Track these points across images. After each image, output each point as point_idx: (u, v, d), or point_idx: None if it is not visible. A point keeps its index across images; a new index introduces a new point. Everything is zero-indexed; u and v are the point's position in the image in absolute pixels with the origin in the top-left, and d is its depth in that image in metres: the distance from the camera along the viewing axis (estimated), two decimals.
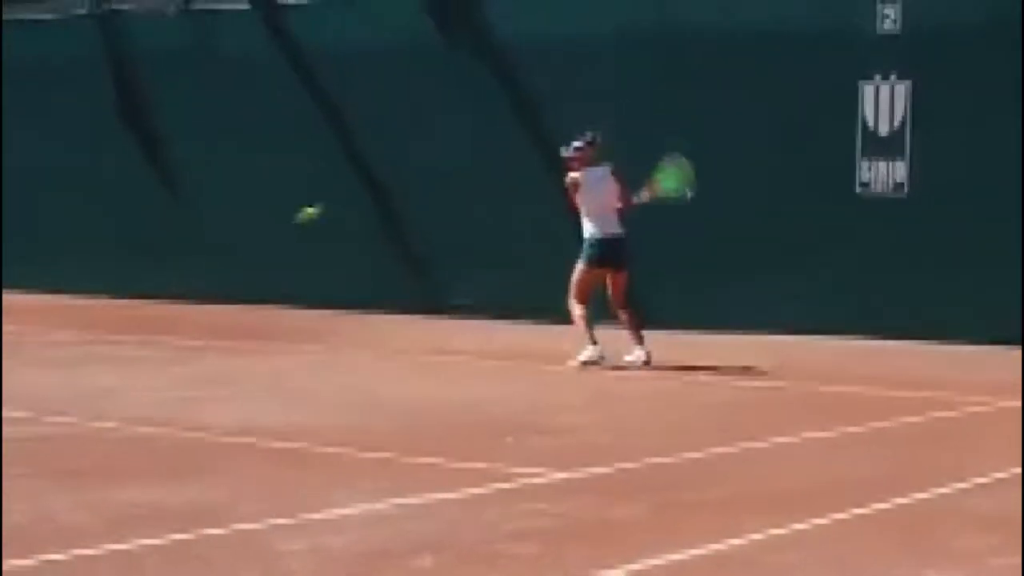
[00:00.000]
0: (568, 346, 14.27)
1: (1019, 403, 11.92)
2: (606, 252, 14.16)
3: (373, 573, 6.37)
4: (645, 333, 14.22)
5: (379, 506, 7.58)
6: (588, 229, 14.22)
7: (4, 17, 21.84)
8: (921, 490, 8.30)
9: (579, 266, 14.27)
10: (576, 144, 14.34)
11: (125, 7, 21.67)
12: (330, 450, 9.34)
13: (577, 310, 14.20)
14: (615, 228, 14.23)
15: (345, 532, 7.02)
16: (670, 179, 14.50)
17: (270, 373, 13.56)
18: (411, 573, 6.36)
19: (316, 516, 7.30)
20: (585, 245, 14.25)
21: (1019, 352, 15.08)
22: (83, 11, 22.05)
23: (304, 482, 8.21)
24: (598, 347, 14.00)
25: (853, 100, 17.08)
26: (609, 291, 14.28)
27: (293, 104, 20.13)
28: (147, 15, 21.29)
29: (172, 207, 21.04)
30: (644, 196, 14.30)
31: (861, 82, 17.05)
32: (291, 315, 18.90)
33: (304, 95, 20.21)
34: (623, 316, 14.24)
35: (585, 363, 13.91)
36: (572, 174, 14.23)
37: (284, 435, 9.77)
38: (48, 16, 22.36)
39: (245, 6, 20.80)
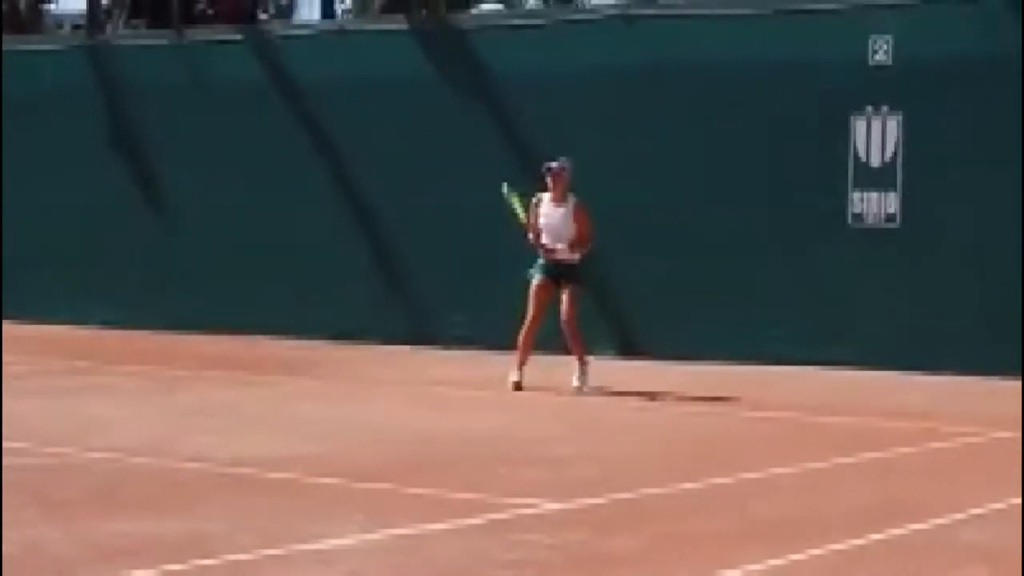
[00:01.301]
0: (561, 376, 14.28)
1: (1013, 434, 11.93)
2: (555, 271, 14.61)
3: None
4: (629, 364, 14.31)
5: (372, 537, 7.55)
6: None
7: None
8: (916, 521, 8.29)
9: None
10: (558, 163, 14.66)
11: (118, 38, 21.73)
12: (323, 481, 9.32)
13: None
14: (569, 254, 14.63)
15: (338, 563, 6.99)
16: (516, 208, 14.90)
17: (263, 403, 13.53)
18: None
19: (309, 547, 7.28)
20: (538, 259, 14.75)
21: (1013, 383, 15.09)
22: (76, 42, 22.08)
23: (297, 513, 8.18)
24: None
25: (845, 132, 17.11)
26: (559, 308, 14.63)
27: (285, 136, 20.14)
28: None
29: (164, 237, 21.02)
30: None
31: (853, 114, 17.09)
32: (283, 346, 18.86)
33: (296, 127, 20.22)
34: (569, 336, 14.64)
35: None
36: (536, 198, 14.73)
37: (277, 466, 9.74)
38: (42, 47, 22.40)
39: (237, 37, 20.85)
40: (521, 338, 14.71)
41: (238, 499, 8.61)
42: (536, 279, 14.68)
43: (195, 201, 20.71)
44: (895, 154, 16.92)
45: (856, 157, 17.07)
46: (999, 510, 8.75)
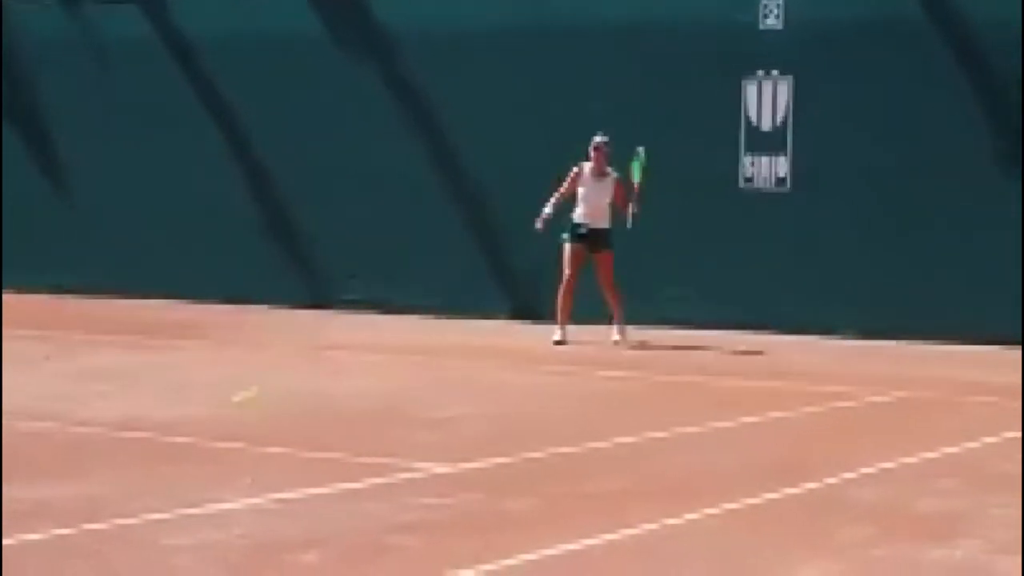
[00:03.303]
0: (455, 339, 14.29)
1: (906, 394, 12.15)
2: (588, 236, 15.60)
3: (257, 568, 6.34)
4: (525, 327, 14.43)
5: (264, 501, 7.55)
6: (577, 214, 15.67)
7: None
8: (810, 480, 8.41)
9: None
10: (602, 139, 15.59)
11: None
12: (217, 445, 9.30)
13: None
14: (602, 223, 15.68)
15: (230, 527, 6.99)
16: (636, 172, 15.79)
17: (159, 367, 13.46)
18: (295, 568, 6.35)
19: (201, 511, 7.27)
20: (571, 226, 15.67)
21: (900, 345, 15.38)
22: None
23: (190, 477, 8.16)
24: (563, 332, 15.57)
25: (736, 96, 17.23)
26: (597, 273, 15.74)
27: (179, 95, 19.96)
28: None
29: (57, 199, 20.80)
30: (633, 208, 15.70)
31: (744, 78, 17.21)
32: (181, 309, 18.75)
33: (189, 87, 20.05)
34: (609, 298, 15.79)
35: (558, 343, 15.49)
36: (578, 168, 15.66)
37: (171, 430, 9.71)
38: None
39: None
40: (560, 299, 15.67)
41: (133, 464, 8.57)
42: (569, 243, 15.61)
43: (89, 162, 20.49)
44: (786, 118, 17.07)
45: (747, 121, 17.21)
46: (888, 469, 8.90)
